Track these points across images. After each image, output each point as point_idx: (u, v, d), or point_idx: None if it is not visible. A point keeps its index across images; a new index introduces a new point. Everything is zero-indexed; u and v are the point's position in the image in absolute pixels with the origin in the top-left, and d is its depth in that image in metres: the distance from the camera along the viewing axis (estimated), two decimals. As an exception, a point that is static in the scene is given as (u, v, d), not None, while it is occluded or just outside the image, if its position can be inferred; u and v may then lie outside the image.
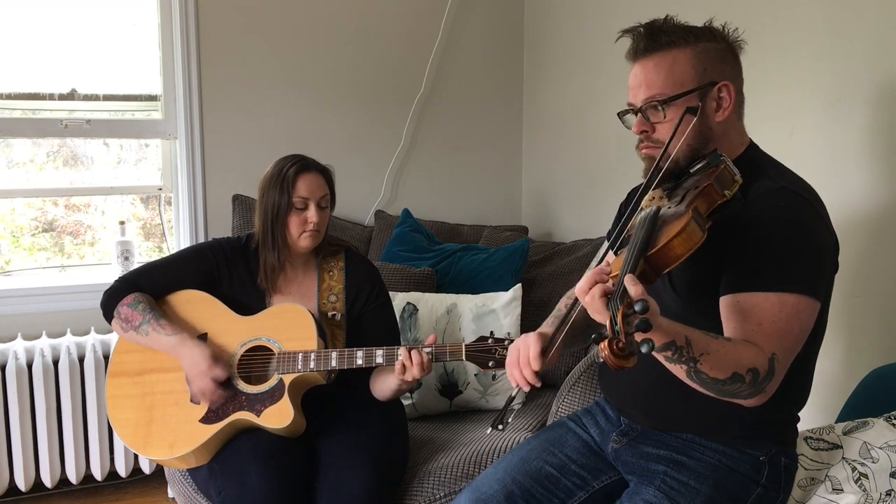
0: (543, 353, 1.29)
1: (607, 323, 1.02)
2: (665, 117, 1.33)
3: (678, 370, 1.18)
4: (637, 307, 0.97)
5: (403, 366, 1.71)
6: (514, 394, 1.33)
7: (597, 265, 1.21)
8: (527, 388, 1.30)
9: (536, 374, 1.28)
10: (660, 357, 1.17)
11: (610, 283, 1.10)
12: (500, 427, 1.30)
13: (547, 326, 1.46)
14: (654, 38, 1.33)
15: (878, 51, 1.74)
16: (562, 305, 1.59)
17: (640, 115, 1.36)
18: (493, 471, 1.52)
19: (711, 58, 1.33)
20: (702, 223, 1.16)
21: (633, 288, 1.02)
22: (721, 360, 1.15)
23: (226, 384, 1.77)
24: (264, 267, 1.89)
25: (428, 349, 1.72)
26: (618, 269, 1.11)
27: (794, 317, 1.22)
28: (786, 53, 1.95)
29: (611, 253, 1.38)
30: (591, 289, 1.10)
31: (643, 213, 1.25)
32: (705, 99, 1.32)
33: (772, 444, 1.37)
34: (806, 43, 1.91)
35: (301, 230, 1.84)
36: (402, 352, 1.71)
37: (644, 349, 0.96)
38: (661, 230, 1.16)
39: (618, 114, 1.42)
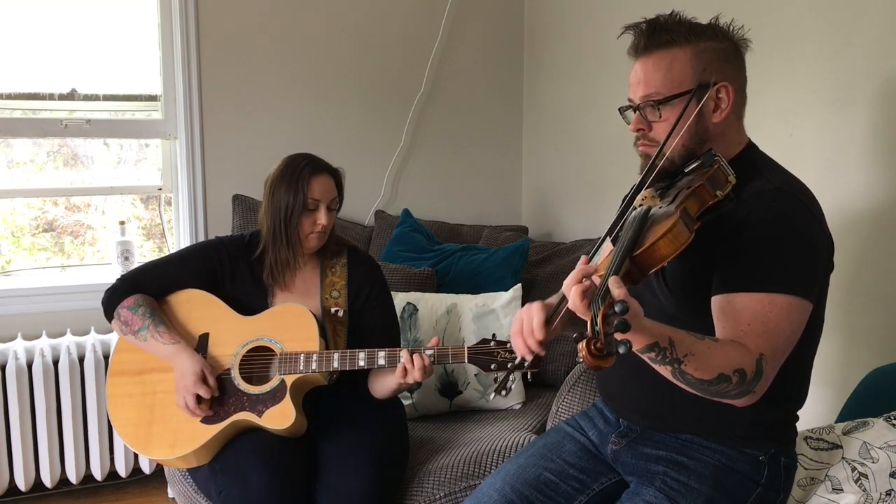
0: (547, 322, 1.27)
1: (588, 322, 1.02)
2: (661, 117, 1.33)
3: (664, 371, 1.18)
4: (617, 308, 0.97)
5: (405, 368, 1.71)
6: (517, 361, 1.30)
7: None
8: (529, 357, 1.27)
9: (541, 343, 1.25)
10: (644, 358, 1.17)
11: (596, 282, 1.10)
12: (504, 393, 1.29)
13: (552, 298, 1.43)
14: (654, 35, 1.32)
15: (878, 51, 1.74)
16: None
17: (637, 112, 1.36)
18: (492, 480, 1.52)
19: (712, 57, 1.31)
20: (689, 224, 1.16)
21: (617, 289, 1.02)
22: (706, 361, 1.15)
23: (213, 401, 1.76)
24: (273, 264, 1.88)
25: (430, 352, 1.72)
26: (605, 267, 1.11)
27: (783, 317, 1.21)
28: (786, 53, 1.96)
29: (608, 244, 1.37)
30: (573, 287, 1.09)
31: (633, 214, 1.25)
32: (703, 99, 1.30)
33: (771, 443, 1.37)
34: (806, 43, 1.91)
35: (310, 231, 1.85)
36: (403, 354, 1.71)
37: (622, 350, 0.96)
38: (648, 230, 1.16)
39: (619, 109, 1.42)
